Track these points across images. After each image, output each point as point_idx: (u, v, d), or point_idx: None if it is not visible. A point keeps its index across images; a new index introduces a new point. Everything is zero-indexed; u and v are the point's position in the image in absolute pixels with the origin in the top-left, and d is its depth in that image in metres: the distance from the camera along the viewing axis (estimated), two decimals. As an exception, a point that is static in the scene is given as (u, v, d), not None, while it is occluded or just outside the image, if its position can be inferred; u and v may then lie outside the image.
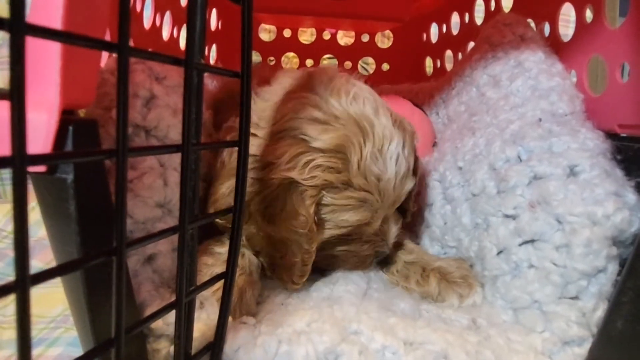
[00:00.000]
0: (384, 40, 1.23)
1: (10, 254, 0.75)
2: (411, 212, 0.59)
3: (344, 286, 0.51)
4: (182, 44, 0.75)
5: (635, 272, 0.39)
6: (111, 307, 0.23)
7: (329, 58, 1.22)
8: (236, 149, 0.31)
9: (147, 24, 0.63)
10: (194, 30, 0.26)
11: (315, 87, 0.49)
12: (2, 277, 0.73)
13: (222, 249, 0.50)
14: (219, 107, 0.58)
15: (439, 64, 1.05)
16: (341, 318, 0.43)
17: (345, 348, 0.38)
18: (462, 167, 0.58)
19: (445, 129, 0.74)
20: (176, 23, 0.74)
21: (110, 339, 0.23)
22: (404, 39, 1.19)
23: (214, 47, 1.00)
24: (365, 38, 1.21)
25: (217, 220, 0.49)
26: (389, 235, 0.53)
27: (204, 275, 0.46)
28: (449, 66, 0.99)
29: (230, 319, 0.34)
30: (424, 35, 1.11)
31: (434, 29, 1.07)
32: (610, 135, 0.49)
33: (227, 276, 0.32)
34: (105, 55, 0.40)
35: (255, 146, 0.47)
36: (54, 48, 0.26)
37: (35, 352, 0.55)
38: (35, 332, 0.59)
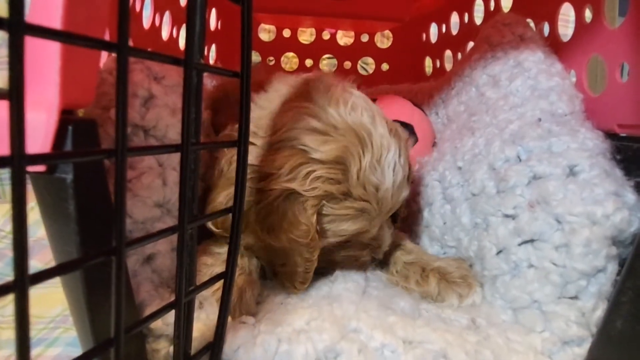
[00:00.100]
0: (384, 40, 1.23)
1: (9, 254, 0.75)
2: (401, 218, 0.59)
3: (343, 284, 0.51)
4: (182, 43, 0.75)
5: (635, 272, 0.39)
6: (110, 307, 0.23)
7: (329, 58, 1.22)
8: (235, 158, 0.31)
9: (146, 23, 0.63)
10: (193, 30, 0.26)
11: (313, 96, 0.48)
12: (1, 277, 0.73)
13: (222, 249, 0.50)
14: (216, 107, 0.58)
15: (438, 64, 1.05)
16: (341, 316, 0.43)
17: (344, 346, 0.38)
18: (461, 167, 0.58)
19: (444, 129, 0.74)
20: (175, 23, 0.74)
21: (110, 338, 0.23)
22: (404, 39, 1.19)
23: (213, 47, 1.00)
24: (364, 38, 1.21)
25: (214, 228, 0.49)
26: (383, 241, 0.53)
27: (203, 275, 0.46)
28: (448, 66, 0.99)
29: (229, 318, 0.34)
30: (424, 35, 1.11)
31: (433, 29, 1.07)
32: (610, 135, 0.49)
33: (227, 276, 0.32)
34: (104, 54, 0.40)
35: (253, 155, 0.47)
36: (54, 48, 0.26)
37: (34, 352, 0.55)
38: (35, 332, 0.58)
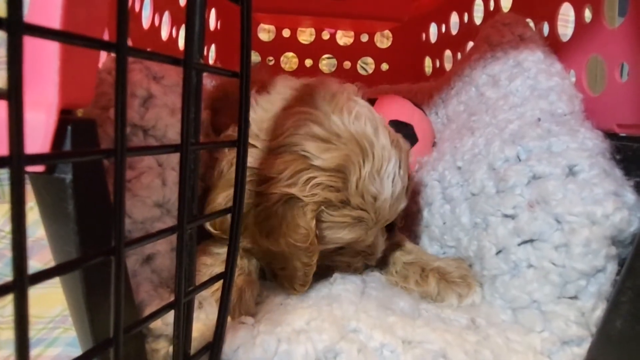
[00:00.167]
0: (383, 40, 1.23)
1: (9, 254, 0.75)
2: (398, 228, 0.59)
3: (342, 285, 0.51)
4: (181, 43, 0.75)
5: (634, 271, 0.39)
6: (110, 307, 0.23)
7: (328, 58, 1.22)
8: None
9: (145, 23, 0.63)
10: (192, 30, 0.26)
11: (317, 102, 0.48)
12: (0, 278, 0.73)
13: (221, 249, 0.50)
14: (216, 107, 0.58)
15: (438, 64, 1.05)
16: (340, 316, 0.43)
17: (344, 346, 0.38)
18: (461, 167, 0.58)
19: (444, 129, 0.74)
20: (175, 23, 0.73)
21: (109, 338, 0.23)
22: (403, 38, 1.19)
23: (213, 47, 1.00)
24: (364, 38, 1.21)
25: (213, 230, 0.49)
26: (377, 249, 0.53)
27: (203, 275, 0.46)
28: (448, 66, 0.99)
29: (229, 318, 0.34)
30: (423, 35, 1.11)
31: (433, 29, 1.07)
32: (609, 135, 0.49)
33: (226, 276, 0.32)
34: (103, 54, 0.40)
35: (253, 158, 0.47)
36: (53, 48, 0.26)
37: (33, 352, 0.55)
38: (34, 332, 0.58)
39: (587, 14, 0.55)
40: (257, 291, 0.49)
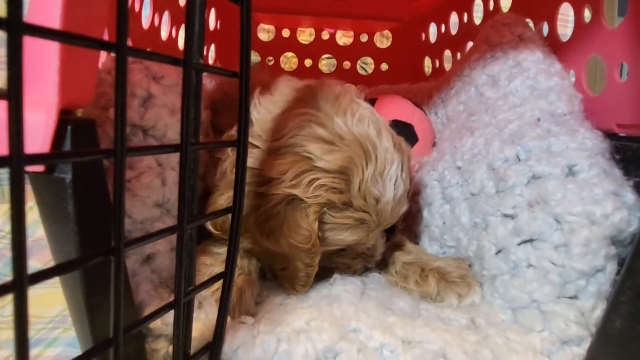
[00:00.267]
0: (383, 40, 1.23)
1: (8, 254, 0.75)
2: (399, 230, 0.59)
3: (342, 286, 0.51)
4: (181, 43, 0.75)
5: (634, 271, 0.39)
6: (110, 307, 0.23)
7: (328, 58, 1.22)
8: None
9: (145, 23, 0.63)
10: (192, 30, 0.26)
11: (321, 104, 0.48)
12: (0, 278, 0.73)
13: (221, 249, 0.50)
14: (216, 108, 0.58)
15: (437, 64, 1.05)
16: (340, 316, 0.43)
17: (344, 346, 0.38)
18: (460, 167, 0.58)
19: (444, 129, 0.74)
20: (175, 23, 0.73)
21: (109, 338, 0.23)
22: (403, 38, 1.19)
23: (212, 47, 1.00)
24: (364, 38, 1.21)
25: (214, 230, 0.49)
26: (377, 251, 0.53)
27: (202, 275, 0.46)
28: (447, 66, 0.99)
29: (229, 318, 0.34)
30: (423, 35, 1.11)
31: (432, 29, 1.07)
32: (609, 135, 0.49)
33: (226, 276, 0.32)
34: (103, 54, 0.40)
35: (255, 159, 0.46)
36: (53, 48, 0.26)
37: (33, 352, 0.55)
38: (34, 332, 0.58)
39: (587, 14, 0.55)
40: (257, 291, 0.49)
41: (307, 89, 0.52)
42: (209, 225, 0.49)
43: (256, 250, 0.49)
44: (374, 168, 0.46)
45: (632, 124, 0.48)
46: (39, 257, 0.72)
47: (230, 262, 0.32)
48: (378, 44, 1.22)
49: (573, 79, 0.58)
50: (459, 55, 0.93)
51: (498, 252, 0.49)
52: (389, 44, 1.22)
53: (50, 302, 0.62)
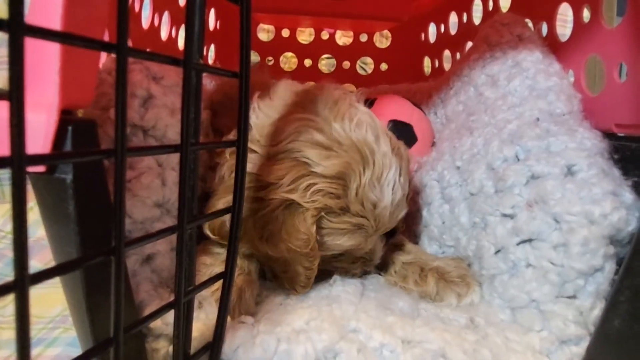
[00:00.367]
0: (383, 40, 1.23)
1: (9, 254, 0.75)
2: (399, 231, 0.59)
3: (342, 286, 0.51)
4: (181, 44, 0.75)
5: (632, 271, 0.39)
6: (110, 306, 0.23)
7: (328, 58, 1.22)
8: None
9: (145, 24, 0.63)
10: (192, 30, 0.26)
11: (319, 109, 0.48)
12: (1, 278, 0.73)
13: (221, 249, 0.50)
14: (217, 109, 0.58)
15: (437, 64, 1.05)
16: (340, 316, 0.43)
17: (343, 346, 0.38)
18: (460, 167, 0.58)
19: (443, 129, 0.74)
20: (174, 23, 0.74)
21: (109, 338, 0.23)
22: (403, 38, 1.19)
23: (212, 47, 1.00)
24: (363, 38, 1.21)
25: (211, 235, 0.49)
26: (376, 256, 0.53)
27: (202, 275, 0.46)
28: (447, 66, 0.99)
29: (228, 318, 0.34)
30: (422, 35, 1.11)
31: (432, 29, 1.07)
32: (608, 135, 0.50)
33: (226, 276, 0.32)
34: (103, 55, 0.40)
35: (253, 164, 0.47)
36: (53, 48, 0.26)
37: (34, 352, 0.55)
38: (34, 332, 0.58)
39: (586, 14, 0.56)
40: (256, 291, 0.49)
41: (306, 94, 0.52)
42: (206, 230, 0.49)
43: (256, 254, 0.50)
44: (371, 173, 0.46)
45: (630, 124, 0.48)
46: (40, 257, 0.72)
47: (230, 262, 0.32)
48: (377, 44, 1.22)
49: (572, 79, 0.58)
50: (458, 55, 0.93)
51: (497, 251, 0.49)
52: (389, 44, 1.22)
53: (50, 302, 0.62)
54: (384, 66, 1.21)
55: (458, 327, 0.44)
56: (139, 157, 0.41)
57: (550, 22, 0.62)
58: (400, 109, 0.74)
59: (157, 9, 0.66)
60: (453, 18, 0.96)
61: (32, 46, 0.20)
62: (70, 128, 0.27)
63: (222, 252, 0.50)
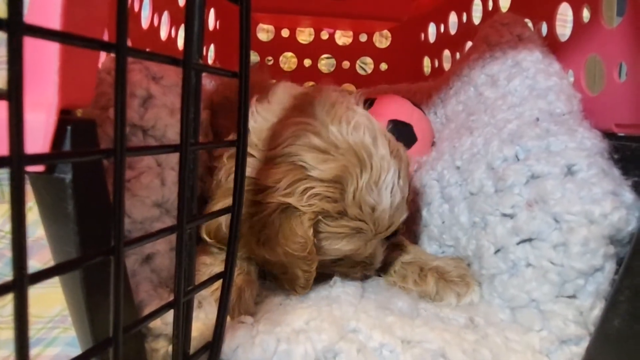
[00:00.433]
0: (382, 40, 1.23)
1: (8, 254, 0.75)
2: (400, 233, 0.59)
3: (342, 287, 0.51)
4: (180, 43, 0.75)
5: (632, 270, 0.39)
6: (109, 306, 0.23)
7: (327, 58, 1.22)
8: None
9: (145, 24, 0.63)
10: (192, 30, 0.26)
11: (317, 112, 0.48)
12: (0, 277, 0.73)
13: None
14: (217, 112, 0.57)
15: (437, 64, 1.05)
16: (340, 317, 0.43)
17: (343, 346, 0.38)
18: (460, 167, 0.58)
19: (443, 129, 0.74)
20: (174, 23, 0.74)
21: (108, 338, 0.23)
22: (402, 38, 1.19)
23: (212, 47, 1.00)
24: (363, 38, 1.21)
25: (207, 239, 0.49)
26: (376, 260, 0.53)
27: (202, 275, 0.46)
28: (447, 66, 0.99)
29: (228, 318, 0.34)
30: (422, 35, 1.11)
31: (432, 29, 1.07)
32: (608, 135, 0.50)
33: (226, 276, 0.32)
34: (102, 55, 0.40)
35: (251, 168, 0.46)
36: (53, 48, 0.26)
37: (33, 352, 0.55)
38: (33, 332, 0.58)
39: (586, 14, 0.56)
40: (256, 291, 0.49)
41: (304, 96, 0.52)
42: (203, 234, 0.49)
43: (254, 257, 0.49)
44: (368, 176, 0.45)
45: (630, 124, 0.48)
46: (39, 257, 0.72)
47: (229, 261, 0.32)
48: (377, 44, 1.22)
49: (572, 79, 0.58)
50: (458, 55, 0.93)
51: (497, 251, 0.49)
52: (388, 43, 1.22)
53: (49, 301, 0.62)
54: (383, 66, 1.21)
55: (458, 327, 0.44)
56: (139, 156, 0.41)
57: (550, 22, 0.62)
58: (400, 109, 0.74)
59: (157, 9, 0.66)
60: (453, 18, 0.96)
61: (32, 46, 0.20)
62: (69, 128, 0.27)
63: (221, 252, 0.50)
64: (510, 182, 0.49)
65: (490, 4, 0.80)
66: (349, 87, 1.22)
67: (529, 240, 0.46)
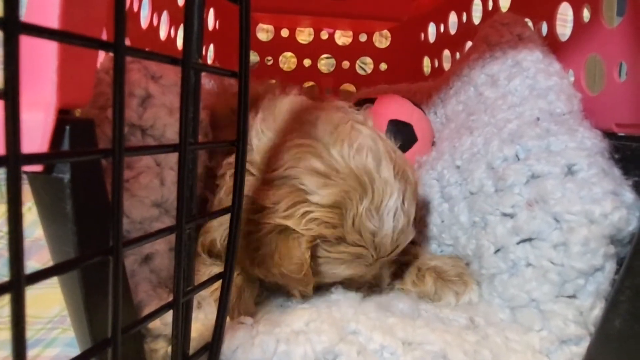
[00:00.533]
0: (382, 40, 1.23)
1: (7, 254, 0.75)
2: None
3: (343, 293, 0.50)
4: (180, 43, 0.75)
5: (633, 270, 0.39)
6: (108, 307, 0.23)
7: (327, 58, 1.22)
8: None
9: (144, 23, 0.63)
10: (191, 30, 0.26)
11: (320, 134, 0.47)
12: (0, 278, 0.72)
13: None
14: (218, 123, 0.56)
15: (436, 64, 1.05)
16: (340, 318, 0.43)
17: (343, 348, 0.38)
18: (460, 166, 0.58)
19: (443, 129, 0.74)
20: (173, 23, 0.73)
21: (107, 338, 0.23)
22: (402, 38, 1.19)
23: (211, 46, 1.00)
24: (363, 38, 1.21)
25: (201, 252, 0.48)
26: (382, 282, 0.52)
27: (202, 275, 0.46)
28: (446, 66, 0.99)
29: (228, 318, 0.34)
30: (422, 35, 1.11)
31: (431, 29, 1.07)
32: (608, 135, 0.49)
33: (225, 276, 0.32)
34: (101, 54, 0.40)
35: (249, 186, 0.46)
36: (51, 47, 0.26)
37: (32, 352, 0.55)
38: (32, 332, 0.58)
39: (586, 14, 0.55)
40: (256, 291, 0.49)
41: (308, 114, 0.50)
42: (198, 247, 0.48)
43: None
44: (369, 202, 0.44)
45: (631, 124, 0.48)
46: (38, 258, 0.71)
47: (229, 261, 0.32)
48: (377, 44, 1.22)
49: (572, 79, 0.58)
50: (458, 55, 0.93)
51: (497, 251, 0.49)
52: (388, 43, 1.22)
53: (48, 302, 0.62)
54: (383, 66, 1.21)
55: (458, 328, 0.44)
56: (137, 156, 0.41)
57: (550, 22, 0.62)
58: (401, 109, 0.74)
59: (156, 8, 0.66)
60: (453, 18, 0.96)
61: (30, 45, 0.20)
62: (67, 127, 0.27)
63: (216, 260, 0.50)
64: (510, 181, 0.49)
65: (490, 3, 0.80)
66: (349, 87, 1.22)
67: (529, 239, 0.46)
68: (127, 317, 0.33)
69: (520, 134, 0.52)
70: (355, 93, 1.16)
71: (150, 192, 0.41)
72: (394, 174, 0.46)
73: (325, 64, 1.23)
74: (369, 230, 0.45)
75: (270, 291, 0.51)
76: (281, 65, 1.20)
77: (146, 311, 0.37)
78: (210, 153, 0.54)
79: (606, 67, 0.51)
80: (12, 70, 0.16)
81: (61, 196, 0.27)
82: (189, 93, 0.26)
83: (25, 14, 0.27)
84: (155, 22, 0.66)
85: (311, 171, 0.45)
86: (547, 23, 0.63)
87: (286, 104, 0.53)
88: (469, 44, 0.82)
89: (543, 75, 0.57)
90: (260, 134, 0.49)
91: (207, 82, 0.69)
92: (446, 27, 0.99)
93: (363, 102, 0.72)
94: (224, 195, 0.49)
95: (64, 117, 0.27)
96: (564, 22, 0.65)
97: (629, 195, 0.43)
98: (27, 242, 0.72)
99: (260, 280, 0.51)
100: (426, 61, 1.11)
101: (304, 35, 1.21)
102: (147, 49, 0.24)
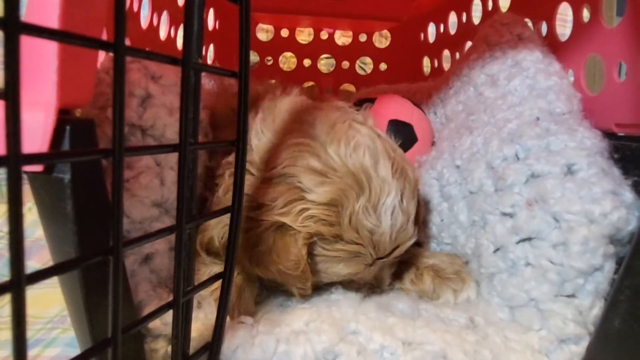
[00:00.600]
0: (382, 40, 1.23)
1: (7, 254, 0.75)
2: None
3: (343, 293, 0.50)
4: (180, 43, 0.75)
5: (632, 270, 0.39)
6: (108, 306, 0.23)
7: (327, 58, 1.22)
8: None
9: (144, 23, 0.63)
10: (191, 30, 0.26)
11: (317, 133, 0.47)
12: (0, 278, 0.72)
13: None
14: (219, 122, 0.57)
15: (436, 64, 1.05)
16: (340, 318, 0.43)
17: (343, 348, 0.38)
18: (459, 166, 0.58)
19: (443, 128, 0.74)
20: (173, 23, 0.73)
21: (107, 338, 0.23)
22: (402, 38, 1.19)
23: (211, 46, 1.00)
24: (362, 38, 1.21)
25: (200, 250, 0.48)
26: (382, 282, 0.52)
27: (202, 275, 0.46)
28: (446, 66, 0.99)
29: (228, 318, 0.34)
30: (422, 35, 1.11)
31: (431, 29, 1.07)
32: (608, 134, 0.50)
33: (225, 275, 0.32)
34: (101, 54, 0.40)
35: (248, 185, 0.46)
36: (51, 47, 0.26)
37: (32, 352, 0.55)
38: (33, 332, 0.58)
39: (585, 14, 0.55)
40: (256, 291, 0.49)
41: (306, 114, 0.51)
42: (196, 245, 0.48)
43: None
44: (365, 200, 0.44)
45: (630, 124, 0.48)
46: (38, 258, 0.72)
47: (229, 261, 0.32)
48: (377, 44, 1.22)
49: (572, 79, 0.58)
50: (457, 55, 0.93)
51: (496, 250, 0.49)
52: (388, 43, 1.22)
53: (49, 302, 0.62)
54: (383, 66, 1.21)
55: (458, 328, 0.44)
56: (137, 156, 0.41)
57: (550, 22, 0.62)
58: (400, 109, 0.74)
59: (156, 8, 0.66)
60: (452, 18, 0.96)
61: (30, 45, 0.20)
62: (68, 127, 0.27)
63: (215, 259, 0.49)
64: (510, 181, 0.49)
65: (490, 3, 0.80)
66: (349, 87, 1.22)
67: (529, 239, 0.46)
68: (127, 317, 0.33)
69: (520, 133, 0.52)
70: (355, 93, 1.16)
71: (150, 192, 0.41)
72: (392, 172, 0.46)
73: (325, 64, 1.23)
74: (366, 228, 0.45)
75: (270, 291, 0.51)
76: (281, 65, 1.20)
77: (146, 311, 0.37)
78: (210, 153, 0.54)
79: (606, 67, 0.51)
80: (13, 71, 0.16)
81: (61, 196, 0.28)
82: (189, 93, 0.26)
83: (25, 14, 0.27)
84: (155, 22, 0.66)
85: (308, 169, 0.45)
86: (546, 23, 0.63)
87: (286, 104, 0.53)
88: (469, 44, 0.82)
89: (543, 75, 0.57)
90: (260, 134, 0.49)
91: (207, 82, 0.69)
92: (446, 27, 0.99)
93: (363, 102, 0.72)
94: (222, 194, 0.49)
95: (64, 117, 0.27)
96: (564, 22, 0.65)
97: (628, 195, 0.43)
98: (28, 242, 0.72)
99: (260, 279, 0.51)
100: (426, 61, 1.11)
101: (304, 35, 1.21)
102: (147, 49, 0.24)
